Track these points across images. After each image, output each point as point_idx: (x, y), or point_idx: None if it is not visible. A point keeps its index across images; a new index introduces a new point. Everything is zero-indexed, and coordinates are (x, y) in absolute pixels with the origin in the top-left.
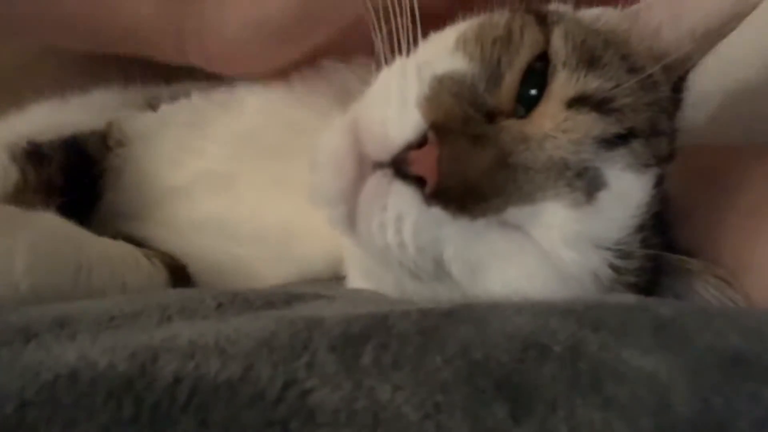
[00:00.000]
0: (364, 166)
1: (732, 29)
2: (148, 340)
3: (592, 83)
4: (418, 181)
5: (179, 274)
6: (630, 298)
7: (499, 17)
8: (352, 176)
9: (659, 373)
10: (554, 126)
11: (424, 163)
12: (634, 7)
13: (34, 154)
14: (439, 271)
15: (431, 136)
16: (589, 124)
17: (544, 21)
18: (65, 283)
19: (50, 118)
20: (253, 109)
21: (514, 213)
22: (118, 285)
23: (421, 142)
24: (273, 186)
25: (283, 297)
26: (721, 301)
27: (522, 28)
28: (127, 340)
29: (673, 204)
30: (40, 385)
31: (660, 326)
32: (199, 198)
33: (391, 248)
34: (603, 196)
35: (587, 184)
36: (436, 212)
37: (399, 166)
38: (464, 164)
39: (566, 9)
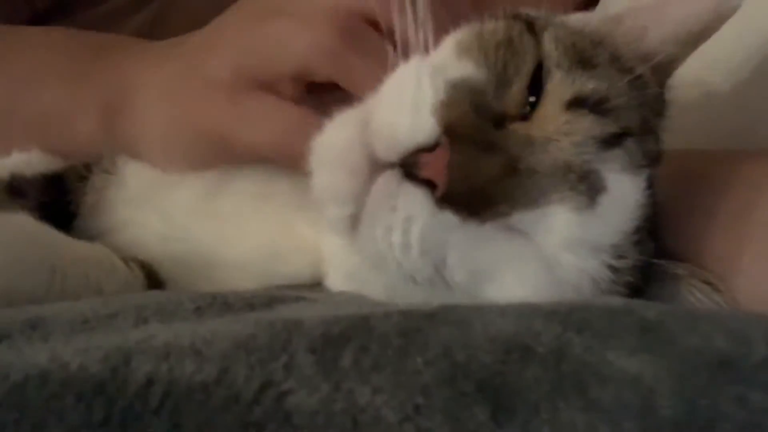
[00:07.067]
0: (375, 166)
1: (714, 31)
2: (122, 341)
3: (588, 84)
4: (427, 184)
5: (157, 279)
6: (615, 300)
7: (494, 25)
8: (364, 175)
9: (644, 375)
10: (555, 128)
11: (434, 166)
12: (619, 11)
13: (15, 188)
14: (437, 276)
15: (444, 140)
16: (588, 125)
17: (532, 27)
18: (39, 286)
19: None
20: None
21: (520, 218)
22: (94, 289)
23: (431, 146)
24: (253, 200)
25: (264, 299)
26: (708, 305)
27: (520, 35)
28: (100, 341)
29: (660, 208)
30: (10, 386)
31: (645, 328)
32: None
33: (394, 250)
34: (603, 200)
35: (589, 188)
36: (446, 216)
37: (409, 168)
38: (473, 171)
39: (551, 14)
